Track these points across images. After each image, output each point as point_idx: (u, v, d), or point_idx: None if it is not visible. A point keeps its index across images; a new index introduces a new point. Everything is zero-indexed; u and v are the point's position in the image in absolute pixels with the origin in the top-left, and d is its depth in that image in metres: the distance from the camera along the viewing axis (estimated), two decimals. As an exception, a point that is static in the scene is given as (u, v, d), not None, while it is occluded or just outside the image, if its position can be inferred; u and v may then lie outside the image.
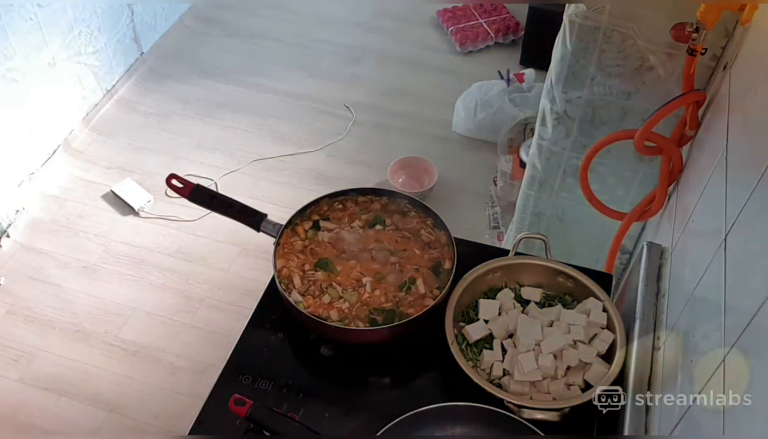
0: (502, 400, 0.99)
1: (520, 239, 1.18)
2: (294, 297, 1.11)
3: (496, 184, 2.39)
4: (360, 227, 1.22)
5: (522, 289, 1.18)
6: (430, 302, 1.09)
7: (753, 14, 1.03)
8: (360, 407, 1.06)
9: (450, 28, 3.17)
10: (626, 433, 0.92)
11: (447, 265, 1.16)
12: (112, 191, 2.43)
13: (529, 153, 1.64)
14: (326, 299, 1.11)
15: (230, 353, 1.13)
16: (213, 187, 2.40)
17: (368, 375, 1.13)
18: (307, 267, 1.16)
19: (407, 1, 3.43)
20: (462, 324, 1.12)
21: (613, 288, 1.25)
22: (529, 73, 2.60)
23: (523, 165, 2.15)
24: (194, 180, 1.22)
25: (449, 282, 1.11)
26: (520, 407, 0.97)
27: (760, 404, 0.59)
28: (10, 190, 2.35)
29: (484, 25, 3.16)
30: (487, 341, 1.10)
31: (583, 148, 1.49)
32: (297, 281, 1.13)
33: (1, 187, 2.31)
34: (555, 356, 1.05)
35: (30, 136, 2.42)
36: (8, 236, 2.29)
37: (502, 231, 2.26)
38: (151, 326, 2.07)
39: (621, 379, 1.01)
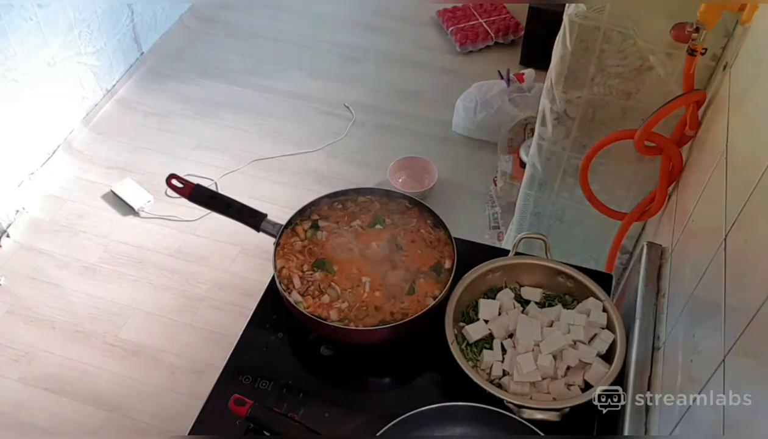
0: (502, 400, 0.99)
1: (520, 239, 1.18)
2: (294, 297, 1.11)
3: (496, 184, 2.39)
4: (360, 227, 1.22)
5: (522, 289, 1.18)
6: (430, 302, 1.09)
7: (753, 14, 1.03)
8: (360, 407, 1.06)
9: (450, 28, 3.17)
10: (626, 433, 0.92)
11: (447, 265, 1.16)
12: (112, 191, 2.43)
13: (529, 153, 1.64)
14: (326, 299, 1.11)
15: (230, 353, 1.13)
16: (213, 187, 2.39)
17: (368, 375, 1.13)
18: (306, 267, 1.15)
19: (407, 1, 3.43)
20: (462, 324, 1.12)
21: (613, 288, 1.25)
22: (529, 73, 2.60)
23: (523, 165, 2.15)
24: (194, 180, 1.22)
25: (449, 282, 1.11)
26: (520, 407, 0.98)
27: (760, 404, 0.59)
28: (10, 190, 2.35)
29: (484, 25, 3.16)
30: (487, 341, 1.10)
31: (583, 148, 1.49)
32: (297, 281, 1.13)
33: (1, 187, 2.31)
34: (555, 357, 1.05)
35: (30, 136, 2.42)
36: (8, 236, 2.29)
37: (502, 231, 2.26)
38: (151, 326, 2.07)
39: (621, 379, 1.01)
